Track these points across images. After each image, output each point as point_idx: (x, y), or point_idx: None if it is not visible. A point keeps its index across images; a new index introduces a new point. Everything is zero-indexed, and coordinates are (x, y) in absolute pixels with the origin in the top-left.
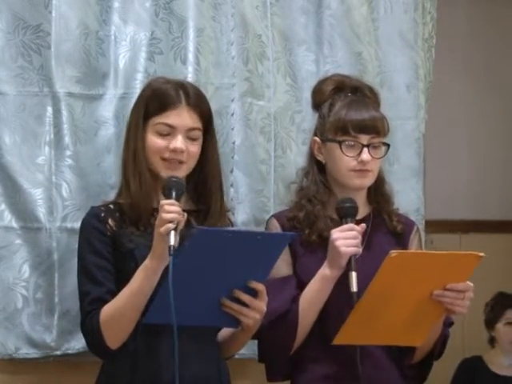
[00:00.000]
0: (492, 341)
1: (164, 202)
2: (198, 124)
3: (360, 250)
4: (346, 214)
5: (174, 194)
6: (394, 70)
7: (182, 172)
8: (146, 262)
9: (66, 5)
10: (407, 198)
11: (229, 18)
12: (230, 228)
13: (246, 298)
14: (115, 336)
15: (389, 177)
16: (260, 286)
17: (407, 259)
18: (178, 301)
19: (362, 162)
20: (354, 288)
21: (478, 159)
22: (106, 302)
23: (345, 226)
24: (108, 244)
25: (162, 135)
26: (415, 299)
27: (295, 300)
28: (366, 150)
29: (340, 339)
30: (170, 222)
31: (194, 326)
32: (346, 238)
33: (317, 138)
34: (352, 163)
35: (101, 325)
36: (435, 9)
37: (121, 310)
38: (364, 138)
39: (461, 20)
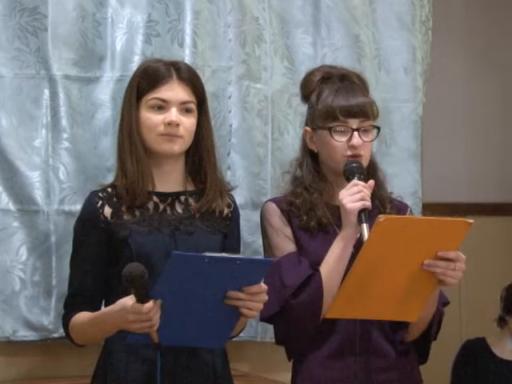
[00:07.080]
0: (501, 322)
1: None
2: (191, 98)
3: (368, 203)
4: (351, 172)
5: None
6: (392, 53)
7: (180, 146)
8: None
9: None
10: (404, 181)
11: (226, 1)
12: (207, 254)
13: (242, 295)
14: (82, 341)
15: (386, 159)
16: (254, 288)
17: (396, 223)
18: (162, 322)
19: (353, 147)
20: (367, 237)
21: (475, 142)
22: (79, 309)
23: (349, 184)
24: (101, 238)
25: (155, 110)
26: (406, 270)
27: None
28: (356, 134)
29: (332, 313)
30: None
31: (179, 346)
32: (351, 195)
33: (308, 128)
34: (343, 148)
35: (69, 329)
36: None
37: (86, 330)
38: (353, 122)
39: (458, 2)
